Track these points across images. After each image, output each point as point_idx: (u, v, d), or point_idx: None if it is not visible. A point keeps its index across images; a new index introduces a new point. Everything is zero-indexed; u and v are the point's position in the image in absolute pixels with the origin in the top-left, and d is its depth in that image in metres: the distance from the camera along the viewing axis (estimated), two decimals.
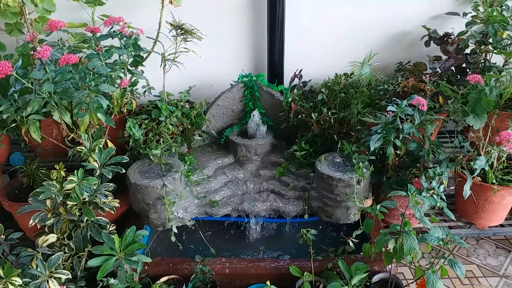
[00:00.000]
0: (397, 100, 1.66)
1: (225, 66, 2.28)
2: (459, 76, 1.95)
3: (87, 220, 1.57)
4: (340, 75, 2.10)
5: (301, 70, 2.09)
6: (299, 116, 1.98)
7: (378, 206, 1.51)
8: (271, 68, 2.20)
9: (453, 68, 1.95)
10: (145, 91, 2.10)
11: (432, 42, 2.06)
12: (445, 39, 2.01)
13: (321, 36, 2.22)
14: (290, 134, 2.09)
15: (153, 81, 2.04)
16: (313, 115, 1.92)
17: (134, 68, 1.88)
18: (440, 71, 1.96)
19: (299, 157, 1.95)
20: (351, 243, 1.59)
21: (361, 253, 1.61)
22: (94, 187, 1.59)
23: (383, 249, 1.47)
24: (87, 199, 1.56)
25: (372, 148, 1.63)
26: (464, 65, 1.96)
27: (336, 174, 1.71)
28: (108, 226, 1.62)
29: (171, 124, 1.94)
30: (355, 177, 1.69)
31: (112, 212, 1.64)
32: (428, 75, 1.92)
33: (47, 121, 1.74)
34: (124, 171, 1.70)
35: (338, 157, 1.86)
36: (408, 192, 1.44)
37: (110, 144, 1.85)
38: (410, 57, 2.19)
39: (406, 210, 1.58)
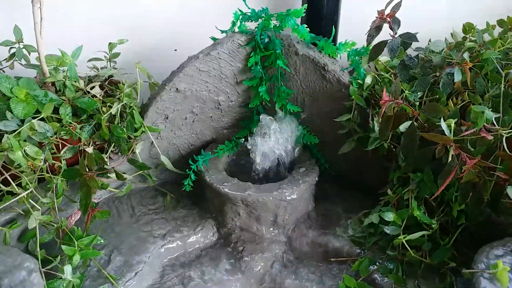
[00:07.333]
0: None
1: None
2: None
3: None
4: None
5: (399, 3, 0.80)
6: (401, 126, 0.70)
7: None
8: (312, 3, 0.92)
9: None
10: (12, 55, 0.88)
11: None
12: None
13: None
14: (365, 171, 0.82)
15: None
16: (443, 124, 0.63)
17: None
18: None
19: (406, 250, 0.66)
20: None
21: None
22: None
23: None
24: None
25: None
26: None
27: None
28: None
29: (38, 142, 0.66)
30: None
31: None
32: None
33: None
34: None
35: None
36: None
37: None
38: None
39: None
